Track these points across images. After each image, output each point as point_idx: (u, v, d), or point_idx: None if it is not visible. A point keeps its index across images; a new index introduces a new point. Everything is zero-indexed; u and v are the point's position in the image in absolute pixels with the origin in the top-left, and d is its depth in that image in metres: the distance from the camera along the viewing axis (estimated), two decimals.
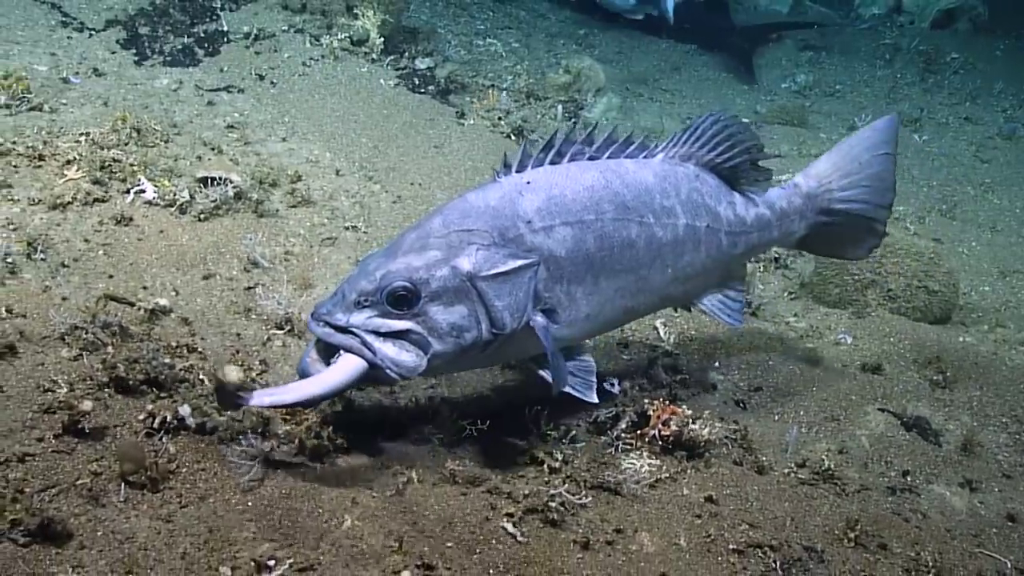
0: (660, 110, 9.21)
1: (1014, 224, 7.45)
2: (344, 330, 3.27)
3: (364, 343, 3.26)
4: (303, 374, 3.34)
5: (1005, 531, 3.93)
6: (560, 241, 3.58)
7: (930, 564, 3.55)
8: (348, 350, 3.27)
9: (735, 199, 4.14)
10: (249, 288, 4.60)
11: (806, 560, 3.49)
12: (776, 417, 4.47)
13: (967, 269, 6.56)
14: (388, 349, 3.29)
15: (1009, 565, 3.71)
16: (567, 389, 3.70)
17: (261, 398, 3.22)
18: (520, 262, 3.43)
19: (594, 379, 3.78)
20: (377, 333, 3.28)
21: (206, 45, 7.46)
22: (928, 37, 11.64)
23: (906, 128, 9.42)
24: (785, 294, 5.78)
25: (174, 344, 3.98)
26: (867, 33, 11.88)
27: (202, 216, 5.08)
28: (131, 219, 4.94)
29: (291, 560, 2.95)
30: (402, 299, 3.29)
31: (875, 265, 5.48)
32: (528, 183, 3.61)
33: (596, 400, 3.80)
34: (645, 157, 3.95)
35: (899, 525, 3.83)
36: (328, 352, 3.34)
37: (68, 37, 7.21)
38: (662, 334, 4.86)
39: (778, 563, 3.43)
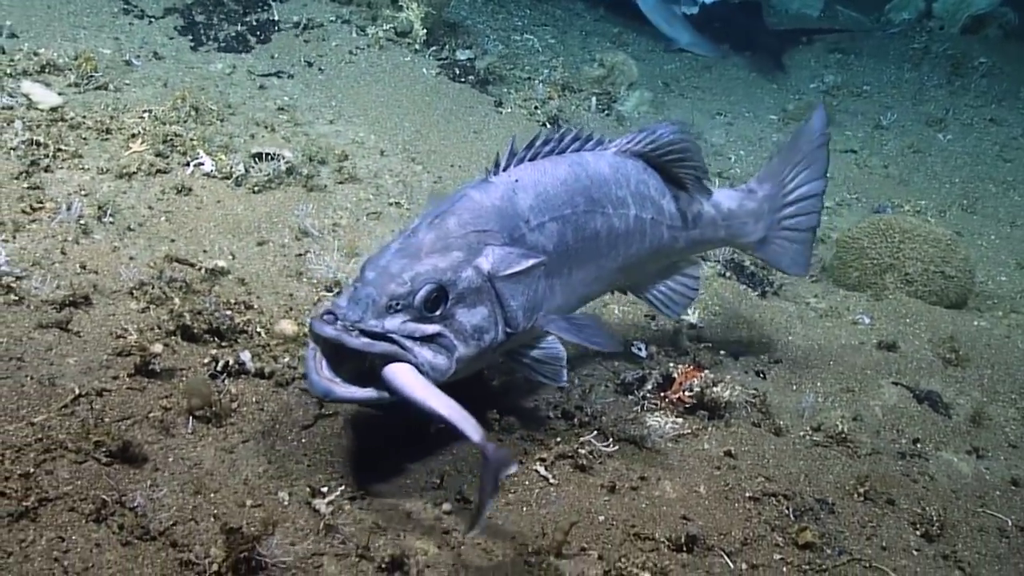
0: (691, 106, 9.49)
1: None
2: (382, 337, 3.11)
3: (404, 349, 3.12)
4: (326, 394, 3.11)
5: (1008, 494, 4.16)
6: (549, 237, 3.61)
7: (934, 519, 3.80)
8: (392, 358, 3.09)
9: (680, 195, 4.17)
10: (300, 255, 4.92)
11: (817, 510, 3.75)
12: (794, 387, 4.72)
13: (985, 260, 6.77)
14: (425, 353, 3.17)
15: (1010, 523, 3.94)
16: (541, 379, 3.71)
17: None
18: (532, 261, 3.43)
19: (564, 365, 3.66)
20: (413, 338, 3.16)
21: (258, 33, 7.84)
22: (957, 42, 11.82)
23: (931, 128, 9.63)
24: (807, 277, 6.02)
25: (232, 301, 4.29)
26: (897, 38, 12.08)
27: (256, 188, 5.41)
28: (191, 189, 5.27)
29: (342, 488, 3.24)
30: (435, 302, 3.21)
31: (894, 250, 5.71)
32: (517, 181, 3.61)
33: (566, 384, 3.74)
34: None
35: (907, 485, 4.08)
36: (337, 360, 3.13)
37: (129, 23, 7.61)
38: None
39: (791, 510, 3.69)
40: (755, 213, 4.42)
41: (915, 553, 3.66)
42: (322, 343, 3.12)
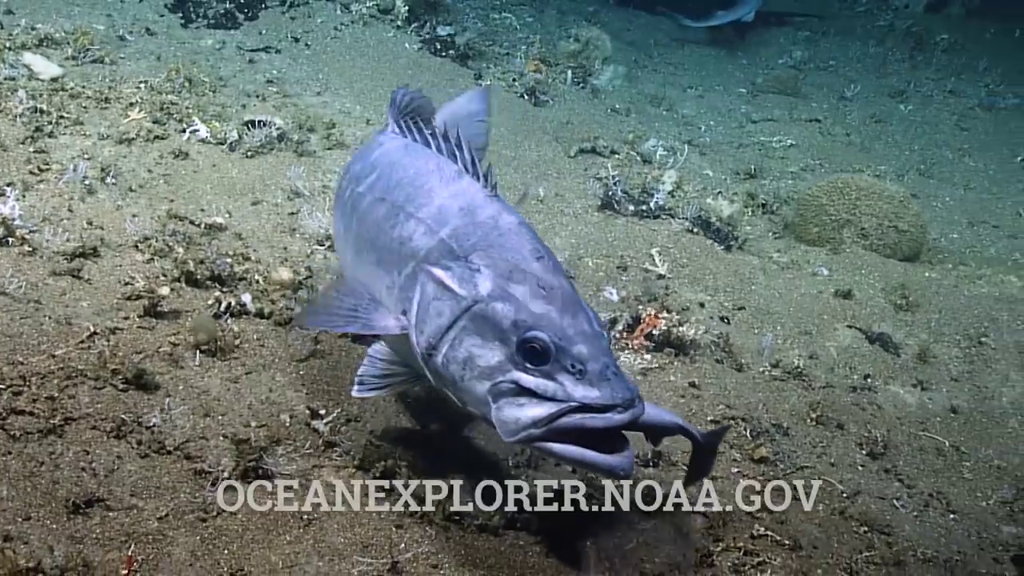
0: (663, 80, 9.84)
1: (986, 183, 8.08)
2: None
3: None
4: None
5: (947, 420, 4.55)
6: None
7: (879, 440, 4.18)
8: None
9: None
10: (293, 213, 5.22)
11: (773, 432, 4.11)
12: (756, 330, 5.07)
13: (939, 219, 7.17)
14: None
15: (947, 444, 4.33)
16: None
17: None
18: None
19: None
20: None
21: (246, 10, 8.14)
22: (921, 20, 12.25)
23: (893, 99, 10.05)
24: (770, 234, 6.39)
25: (231, 253, 4.60)
26: (863, 16, 12.49)
27: (249, 153, 5.72)
28: (187, 154, 5.57)
29: (339, 411, 3.57)
30: None
31: (850, 207, 6.08)
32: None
33: None
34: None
35: (856, 412, 4.45)
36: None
37: (121, 1, 7.88)
38: (657, 260, 5.47)
39: (748, 431, 4.06)
40: None
41: (860, 468, 4.03)
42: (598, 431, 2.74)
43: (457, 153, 3.27)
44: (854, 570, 3.32)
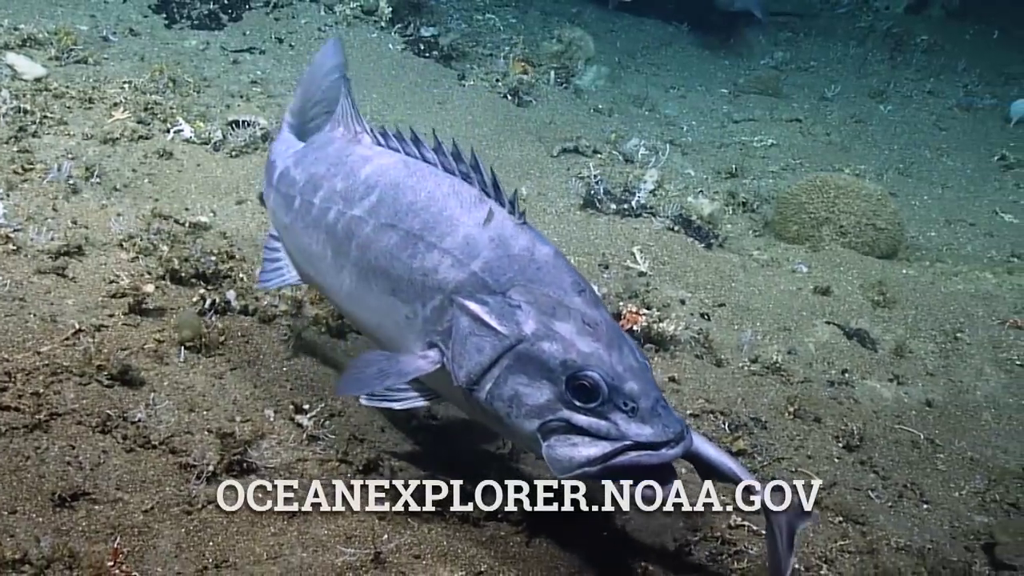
0: (646, 80, 9.92)
1: (963, 182, 8.19)
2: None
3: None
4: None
5: (923, 413, 4.63)
6: None
7: (855, 433, 4.25)
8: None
9: None
10: None
11: (751, 426, 4.18)
12: (735, 327, 5.14)
13: (918, 218, 7.27)
14: None
15: (922, 437, 4.41)
16: None
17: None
18: None
19: None
20: None
21: (230, 11, 8.16)
22: (901, 21, 12.38)
23: (872, 100, 10.16)
24: (750, 232, 6.47)
25: (216, 251, 4.63)
26: (844, 17, 12.59)
27: (234, 153, 5.76)
28: (171, 154, 5.60)
29: (323, 406, 3.62)
30: None
31: (829, 205, 6.17)
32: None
33: None
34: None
35: (833, 406, 4.53)
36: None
37: (104, 1, 7.90)
38: (638, 258, 5.54)
39: (727, 424, 4.12)
40: (286, 140, 4.03)
41: (836, 460, 4.10)
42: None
43: (474, 175, 3.13)
44: (829, 559, 3.39)
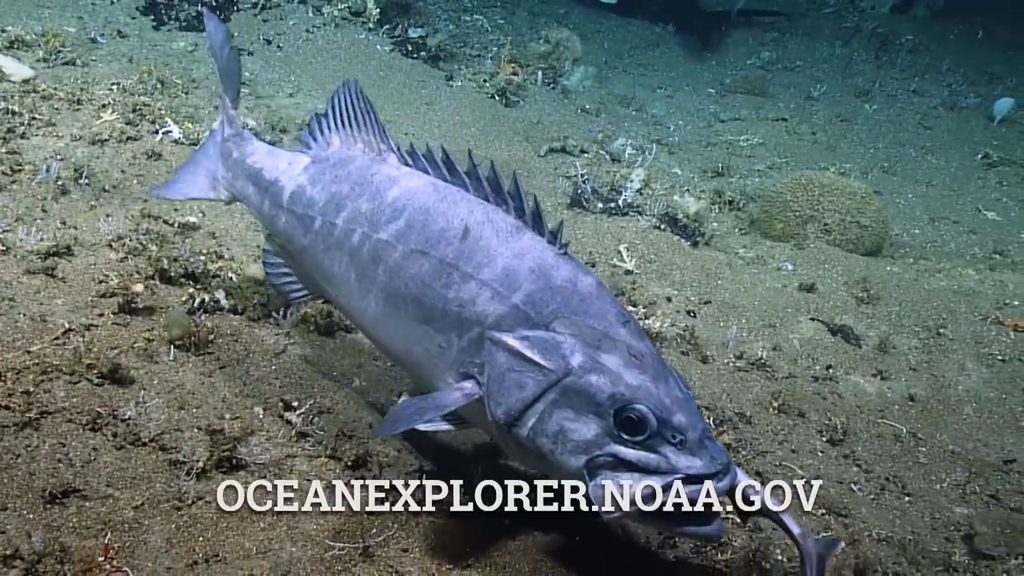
0: (633, 81, 9.99)
1: (947, 180, 8.28)
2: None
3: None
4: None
5: (905, 408, 4.69)
6: None
7: (839, 427, 4.30)
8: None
9: None
10: None
11: (736, 420, 4.23)
12: (721, 324, 5.20)
13: (902, 215, 7.35)
14: None
15: (905, 431, 4.46)
16: None
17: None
18: None
19: None
20: None
21: (218, 13, 8.16)
22: (886, 21, 12.50)
23: (858, 99, 10.26)
24: (736, 230, 6.53)
25: (205, 251, 4.66)
26: (830, 17, 12.71)
27: None
28: (160, 155, 5.62)
29: (311, 403, 3.65)
30: None
31: (814, 203, 6.23)
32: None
33: None
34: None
35: (817, 401, 4.58)
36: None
37: (92, 3, 7.92)
38: (625, 256, 5.59)
39: (712, 420, 4.17)
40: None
41: (820, 454, 4.16)
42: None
43: (511, 201, 3.06)
44: None
